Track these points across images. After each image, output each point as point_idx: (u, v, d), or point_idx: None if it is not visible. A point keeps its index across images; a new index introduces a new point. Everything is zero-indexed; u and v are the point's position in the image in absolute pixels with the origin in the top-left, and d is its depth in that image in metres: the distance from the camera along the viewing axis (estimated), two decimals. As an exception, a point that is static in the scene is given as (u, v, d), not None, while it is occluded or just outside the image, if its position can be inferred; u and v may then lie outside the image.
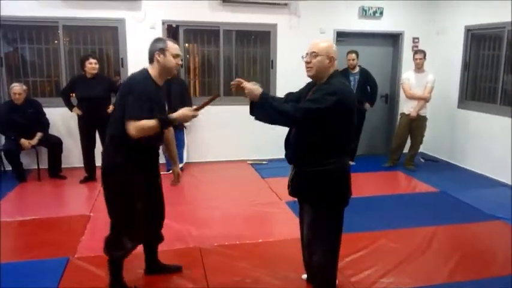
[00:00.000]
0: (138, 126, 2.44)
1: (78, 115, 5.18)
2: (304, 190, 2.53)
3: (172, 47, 2.58)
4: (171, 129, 2.94)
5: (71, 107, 5.24)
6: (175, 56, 2.59)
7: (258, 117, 2.40)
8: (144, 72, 2.60)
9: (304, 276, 2.94)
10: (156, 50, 2.57)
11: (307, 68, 2.46)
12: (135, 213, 2.62)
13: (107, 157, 2.65)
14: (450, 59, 6.33)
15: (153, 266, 3.02)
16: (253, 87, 2.40)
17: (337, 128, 2.36)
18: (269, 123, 2.41)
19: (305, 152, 2.45)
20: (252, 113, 2.43)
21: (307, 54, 2.45)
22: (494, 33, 5.68)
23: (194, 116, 2.60)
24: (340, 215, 2.54)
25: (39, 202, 4.57)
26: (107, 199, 2.66)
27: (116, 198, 2.62)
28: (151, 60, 2.60)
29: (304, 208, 2.63)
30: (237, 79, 2.49)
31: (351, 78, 5.91)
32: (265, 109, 2.36)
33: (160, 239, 2.99)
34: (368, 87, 6.06)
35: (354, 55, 5.89)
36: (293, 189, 2.60)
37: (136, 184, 2.60)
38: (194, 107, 2.63)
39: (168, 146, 2.99)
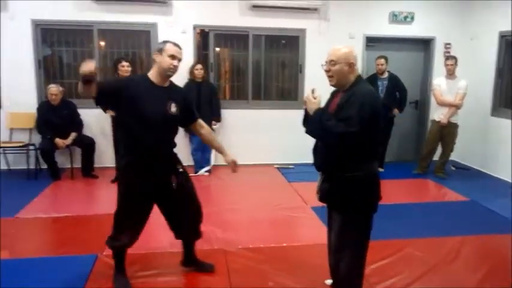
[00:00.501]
0: None
1: (111, 116, 5.33)
2: (333, 197, 2.52)
3: (170, 48, 2.65)
4: (207, 127, 3.02)
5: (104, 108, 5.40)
6: (171, 56, 2.64)
7: (307, 131, 2.46)
8: (143, 74, 2.76)
9: (328, 281, 2.91)
10: (155, 51, 2.69)
11: (328, 77, 2.45)
12: (127, 215, 2.75)
13: (116, 159, 2.82)
14: (483, 65, 6.17)
15: (190, 260, 3.12)
16: (313, 102, 2.43)
17: (365, 135, 2.33)
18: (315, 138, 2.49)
19: (334, 159, 2.44)
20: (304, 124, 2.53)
21: (326, 62, 2.45)
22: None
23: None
24: (368, 222, 2.52)
25: (71, 200, 4.74)
26: None
27: (118, 197, 2.77)
28: (154, 60, 2.72)
29: (333, 216, 2.62)
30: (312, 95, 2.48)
31: (379, 83, 5.86)
32: (314, 124, 2.41)
33: (197, 235, 3.04)
34: (397, 93, 5.99)
35: (382, 60, 5.84)
36: (322, 196, 2.59)
37: (133, 188, 2.70)
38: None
39: (209, 142, 3.08)
